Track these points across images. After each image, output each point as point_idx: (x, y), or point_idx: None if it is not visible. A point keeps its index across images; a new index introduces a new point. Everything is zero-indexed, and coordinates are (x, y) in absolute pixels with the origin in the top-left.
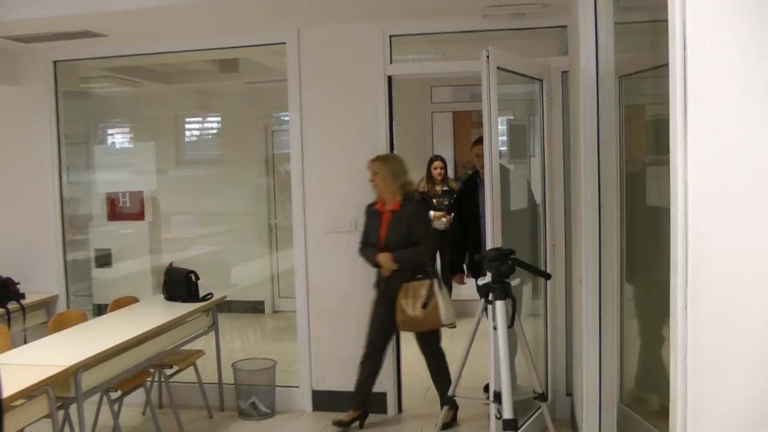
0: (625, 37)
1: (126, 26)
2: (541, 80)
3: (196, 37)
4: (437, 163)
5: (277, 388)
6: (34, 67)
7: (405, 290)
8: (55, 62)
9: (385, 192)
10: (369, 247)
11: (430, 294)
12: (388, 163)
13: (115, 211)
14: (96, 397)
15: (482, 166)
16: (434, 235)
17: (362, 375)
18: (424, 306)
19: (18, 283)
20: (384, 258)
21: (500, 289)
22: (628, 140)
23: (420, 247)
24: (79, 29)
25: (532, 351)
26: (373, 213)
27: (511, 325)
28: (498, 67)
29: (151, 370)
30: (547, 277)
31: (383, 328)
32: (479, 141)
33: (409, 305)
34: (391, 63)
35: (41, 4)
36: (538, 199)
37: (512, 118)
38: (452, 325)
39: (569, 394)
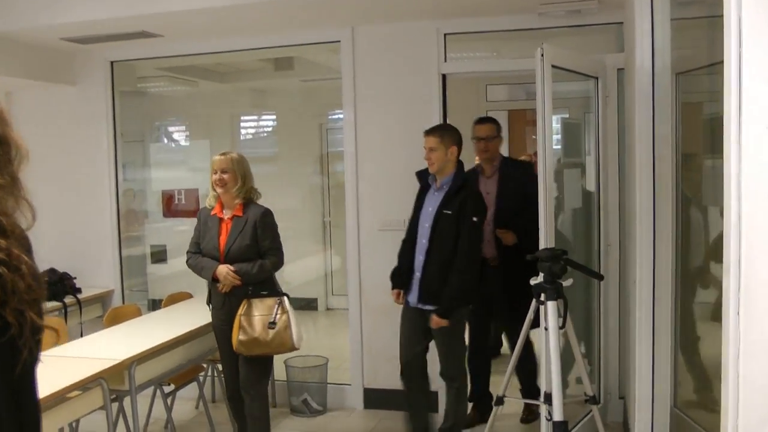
0: (682, 33)
1: (181, 26)
2: (597, 78)
3: (251, 36)
4: None
5: (329, 385)
6: (92, 67)
7: (246, 306)
8: (112, 62)
9: (228, 195)
10: (203, 258)
11: (280, 312)
12: (241, 163)
13: (171, 208)
14: (150, 390)
15: (428, 159)
16: (282, 248)
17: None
18: (272, 325)
19: (75, 278)
20: (224, 271)
21: (552, 290)
22: (685, 139)
23: (266, 259)
24: (135, 30)
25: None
26: (209, 219)
27: (562, 326)
28: (553, 65)
29: (204, 365)
30: (600, 278)
31: (233, 358)
32: (429, 132)
33: (253, 323)
34: (445, 61)
35: (98, 6)
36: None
37: (567, 116)
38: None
39: (622, 397)
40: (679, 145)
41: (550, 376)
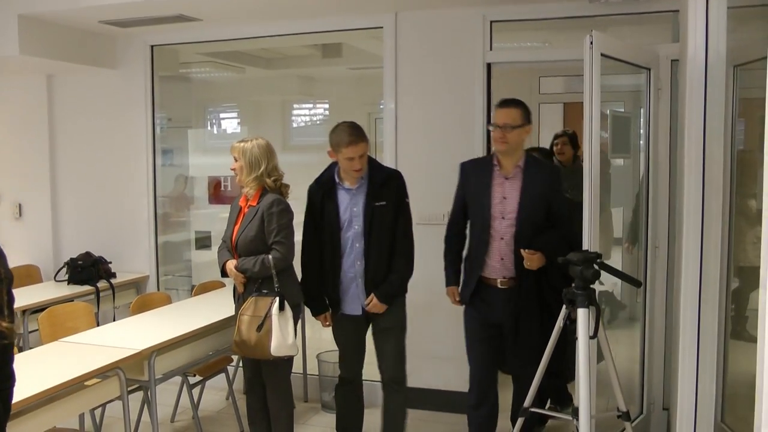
0: (742, 23)
1: (220, 10)
2: (649, 69)
3: (292, 21)
4: None
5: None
6: (132, 51)
7: (248, 305)
8: (152, 47)
9: (243, 184)
10: (223, 251)
11: (267, 315)
12: (248, 152)
13: (217, 194)
14: (178, 380)
15: (358, 168)
16: (290, 241)
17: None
18: (258, 328)
19: (110, 263)
20: (229, 267)
21: (584, 296)
22: (743, 137)
23: (270, 254)
24: (172, 13)
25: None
26: (233, 207)
27: (594, 335)
28: (602, 54)
29: (233, 357)
30: (638, 284)
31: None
32: (360, 139)
33: (245, 324)
34: (491, 50)
35: None
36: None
37: (622, 110)
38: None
39: (666, 408)
40: (734, 144)
41: (579, 390)
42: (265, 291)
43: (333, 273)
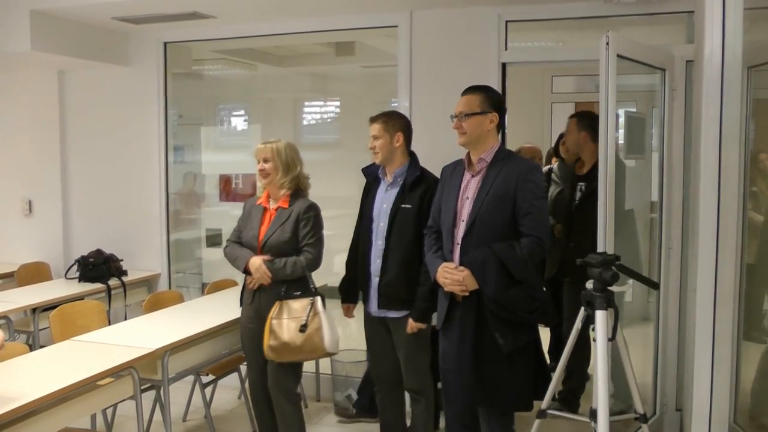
0: (756, 24)
1: (234, 7)
2: (664, 70)
3: (307, 19)
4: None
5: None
6: (145, 48)
7: (278, 308)
8: (165, 43)
9: (273, 185)
10: (240, 248)
11: (312, 314)
12: (283, 152)
13: (228, 192)
14: (190, 378)
15: (372, 147)
16: (321, 246)
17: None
18: (302, 329)
19: (121, 260)
20: (257, 263)
21: (602, 298)
22: (756, 138)
23: (302, 256)
24: (187, 11)
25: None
26: (254, 208)
27: (612, 337)
28: (618, 55)
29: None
30: (655, 287)
31: (260, 360)
32: (373, 119)
33: (283, 327)
34: (506, 49)
35: None
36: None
37: (634, 110)
38: (332, 354)
39: (679, 409)
40: (748, 145)
41: (597, 392)
42: (297, 293)
43: (362, 265)
